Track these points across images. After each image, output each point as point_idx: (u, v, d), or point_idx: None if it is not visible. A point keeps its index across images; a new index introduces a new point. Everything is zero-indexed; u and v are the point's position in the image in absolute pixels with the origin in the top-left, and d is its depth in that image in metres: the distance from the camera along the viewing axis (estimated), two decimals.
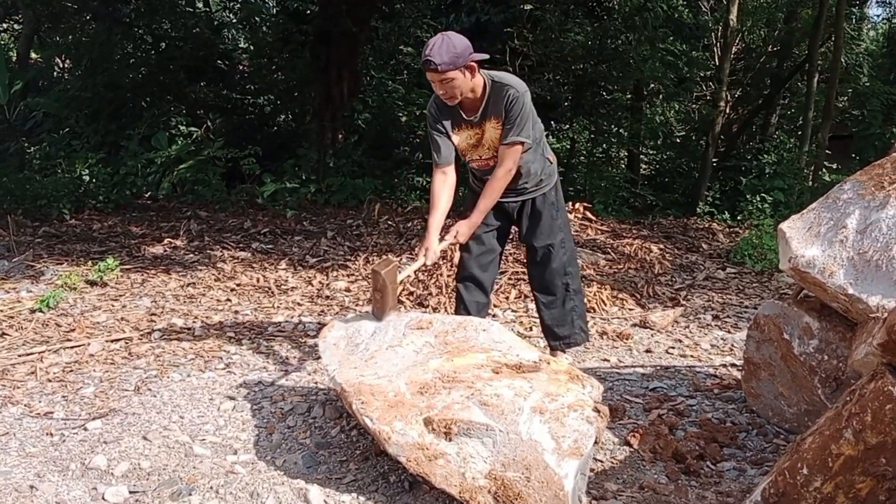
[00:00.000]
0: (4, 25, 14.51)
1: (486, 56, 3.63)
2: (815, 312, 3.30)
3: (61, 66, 13.59)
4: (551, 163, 4.04)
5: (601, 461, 3.17)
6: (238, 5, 13.80)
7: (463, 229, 3.77)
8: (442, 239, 3.79)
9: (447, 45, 3.44)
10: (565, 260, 4.04)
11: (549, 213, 3.99)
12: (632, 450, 3.26)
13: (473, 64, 3.54)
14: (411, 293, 5.73)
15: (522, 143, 3.69)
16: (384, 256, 3.82)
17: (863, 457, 2.17)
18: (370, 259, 6.82)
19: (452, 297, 5.49)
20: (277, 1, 13.24)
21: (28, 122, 11.08)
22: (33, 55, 13.26)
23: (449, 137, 3.78)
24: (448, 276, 5.80)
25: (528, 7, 10.19)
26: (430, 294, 5.65)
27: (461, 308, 4.02)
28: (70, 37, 12.26)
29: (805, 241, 3.11)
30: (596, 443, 2.80)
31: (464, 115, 3.74)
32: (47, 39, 13.30)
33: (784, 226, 3.23)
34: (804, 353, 3.28)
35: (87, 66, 10.95)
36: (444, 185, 3.80)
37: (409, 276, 3.83)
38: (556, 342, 4.16)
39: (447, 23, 10.44)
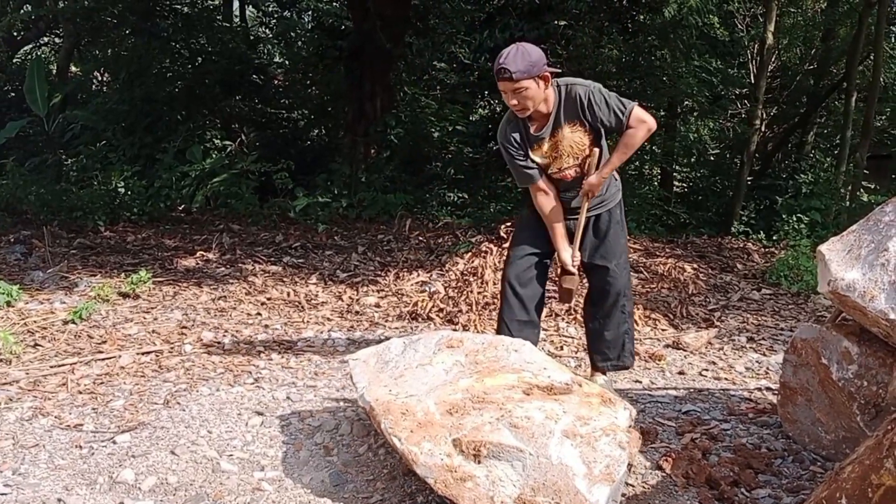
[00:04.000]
0: (45, 39, 14.81)
1: (559, 70, 3.57)
2: (855, 337, 3.22)
3: (100, 79, 13.81)
4: (616, 179, 3.92)
5: (632, 486, 3.11)
6: (274, 20, 13.98)
7: (593, 181, 3.69)
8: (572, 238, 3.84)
9: (522, 54, 3.38)
10: (624, 282, 3.92)
11: (614, 231, 3.88)
12: (664, 475, 3.20)
13: (547, 74, 3.47)
14: (441, 310, 5.70)
15: (634, 107, 3.54)
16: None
17: None
18: (400, 274, 6.81)
19: (482, 315, 5.47)
20: (313, 17, 13.38)
21: (66, 135, 11.22)
22: (73, 68, 13.50)
23: (531, 159, 3.71)
24: (479, 293, 5.76)
25: (561, 23, 10.16)
26: (461, 311, 5.61)
27: (505, 315, 3.90)
28: (109, 51, 12.49)
29: (845, 263, 3.04)
30: (628, 468, 2.74)
31: (534, 134, 3.66)
32: (87, 53, 13.57)
33: (823, 248, 3.16)
34: (843, 379, 3.20)
35: (124, 79, 11.11)
36: (549, 198, 3.76)
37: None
38: (605, 363, 4.03)
39: (481, 39, 10.43)
